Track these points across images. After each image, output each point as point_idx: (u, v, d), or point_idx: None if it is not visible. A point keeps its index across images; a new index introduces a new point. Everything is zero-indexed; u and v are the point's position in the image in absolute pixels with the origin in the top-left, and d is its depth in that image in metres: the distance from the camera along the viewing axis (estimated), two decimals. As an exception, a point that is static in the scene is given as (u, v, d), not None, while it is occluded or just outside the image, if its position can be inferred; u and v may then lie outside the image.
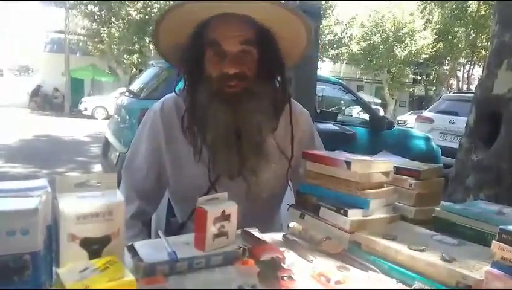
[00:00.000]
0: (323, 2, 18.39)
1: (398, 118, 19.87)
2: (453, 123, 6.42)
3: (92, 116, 16.47)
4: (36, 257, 0.52)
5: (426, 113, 7.54)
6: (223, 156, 1.02)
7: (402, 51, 21.12)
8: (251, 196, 1.05)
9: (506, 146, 2.65)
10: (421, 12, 21.74)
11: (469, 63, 24.02)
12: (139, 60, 17.15)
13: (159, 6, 16.37)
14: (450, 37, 21.61)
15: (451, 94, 9.62)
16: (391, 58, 21.53)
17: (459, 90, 19.25)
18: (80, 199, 0.61)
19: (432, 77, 27.27)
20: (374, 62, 22.03)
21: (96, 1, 17.43)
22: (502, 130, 2.70)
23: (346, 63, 25.66)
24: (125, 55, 17.36)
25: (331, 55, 23.61)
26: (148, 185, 1.12)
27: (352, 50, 22.66)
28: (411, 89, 28.10)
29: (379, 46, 21.47)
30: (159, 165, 1.12)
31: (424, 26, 21.27)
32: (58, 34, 19.77)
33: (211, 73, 1.02)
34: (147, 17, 16.45)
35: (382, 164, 0.90)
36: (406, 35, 20.96)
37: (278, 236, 0.90)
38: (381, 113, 13.60)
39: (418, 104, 28.09)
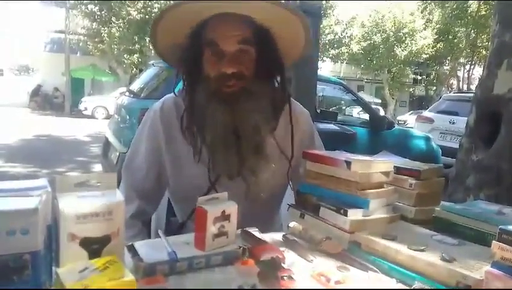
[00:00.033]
0: (323, 1, 18.38)
1: (399, 118, 19.87)
2: (453, 123, 6.42)
3: (92, 116, 16.48)
4: (36, 256, 0.52)
5: (426, 113, 7.54)
6: (221, 156, 1.02)
7: (402, 50, 21.12)
8: (251, 196, 1.05)
9: (507, 146, 2.65)
10: (422, 12, 21.74)
11: (469, 63, 23.99)
12: (140, 60, 17.16)
13: (159, 6, 16.36)
14: (450, 36, 21.60)
15: (451, 94, 9.62)
16: (391, 58, 21.53)
17: (460, 90, 19.25)
18: (80, 198, 0.61)
19: (432, 76, 27.27)
20: (374, 62, 22.03)
21: (96, 1, 17.44)
22: (502, 130, 2.69)
23: (346, 63, 25.65)
24: (125, 55, 17.36)
25: (331, 55, 23.60)
26: (148, 185, 1.12)
27: (352, 50, 22.66)
28: (411, 89, 28.09)
29: (379, 46, 21.46)
30: (159, 165, 1.12)
31: (424, 26, 21.27)
32: (59, 34, 19.79)
33: (209, 73, 1.02)
34: (147, 17, 16.44)
35: (382, 164, 0.90)
36: (407, 35, 20.96)
37: (278, 236, 0.90)
38: (382, 113, 13.58)
39: (418, 104, 28.09)
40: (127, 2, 16.78)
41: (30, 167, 6.04)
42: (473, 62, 23.57)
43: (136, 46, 17.16)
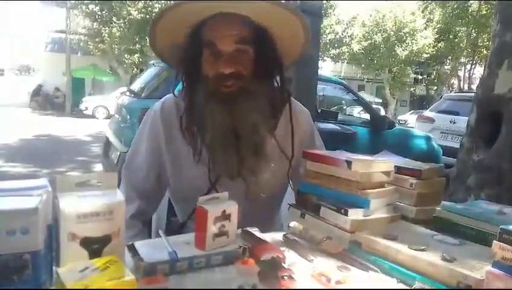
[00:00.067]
0: (324, 1, 18.37)
1: (399, 117, 19.87)
2: (454, 123, 6.42)
3: (92, 116, 16.49)
4: (36, 256, 0.52)
5: (427, 113, 7.53)
6: (221, 157, 1.02)
7: (403, 50, 21.10)
8: (251, 196, 1.05)
9: (507, 146, 2.64)
10: (422, 12, 21.72)
11: (470, 62, 23.97)
12: (140, 60, 17.15)
13: (159, 6, 16.36)
14: (451, 36, 21.59)
15: (452, 94, 9.61)
16: (392, 58, 21.51)
17: (460, 90, 19.27)
18: (80, 198, 0.61)
19: (433, 76, 27.25)
20: (375, 62, 22.01)
21: (97, 1, 17.43)
22: (503, 130, 2.69)
23: (347, 63, 25.64)
24: (126, 55, 17.36)
25: (332, 55, 23.60)
26: (148, 185, 1.12)
27: (353, 49, 22.62)
28: (412, 89, 28.07)
29: (380, 46, 21.45)
30: (159, 165, 1.12)
31: (425, 25, 21.26)
32: (59, 34, 19.79)
33: (207, 73, 1.02)
34: (148, 16, 16.43)
35: (383, 164, 0.90)
36: (407, 35, 20.95)
37: (278, 236, 0.89)
38: (382, 112, 13.59)
39: (419, 103, 28.08)
40: (127, 2, 16.76)
41: (30, 166, 6.05)
42: (474, 62, 23.54)
43: (137, 46, 17.16)
